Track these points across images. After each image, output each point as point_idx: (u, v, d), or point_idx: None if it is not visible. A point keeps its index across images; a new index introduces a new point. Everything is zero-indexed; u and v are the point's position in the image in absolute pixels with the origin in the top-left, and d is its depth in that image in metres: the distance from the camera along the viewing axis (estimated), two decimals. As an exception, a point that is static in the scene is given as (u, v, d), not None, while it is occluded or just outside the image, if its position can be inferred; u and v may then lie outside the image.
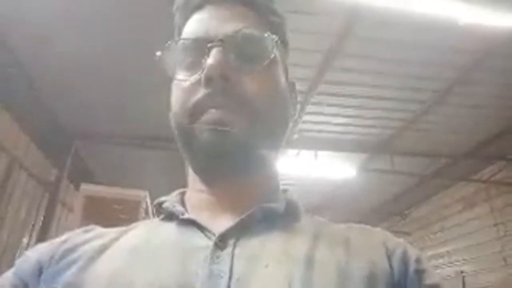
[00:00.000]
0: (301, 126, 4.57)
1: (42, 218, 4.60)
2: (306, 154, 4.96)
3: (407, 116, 4.51)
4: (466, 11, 2.82)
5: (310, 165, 4.94)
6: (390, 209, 7.24)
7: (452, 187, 6.11)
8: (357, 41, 3.40)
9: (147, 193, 3.87)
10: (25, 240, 4.48)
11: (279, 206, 0.47)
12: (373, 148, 5.10)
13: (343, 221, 0.52)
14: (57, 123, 4.51)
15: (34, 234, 4.59)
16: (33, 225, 4.63)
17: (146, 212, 3.79)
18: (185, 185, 0.53)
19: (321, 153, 5.04)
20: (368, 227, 0.50)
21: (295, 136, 4.59)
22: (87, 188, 3.83)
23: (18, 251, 4.26)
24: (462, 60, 3.62)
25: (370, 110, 4.39)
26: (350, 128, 4.78)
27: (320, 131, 4.79)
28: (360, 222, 0.53)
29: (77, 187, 4.29)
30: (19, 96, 3.77)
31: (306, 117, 4.42)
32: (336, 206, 6.63)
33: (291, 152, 4.96)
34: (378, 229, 0.49)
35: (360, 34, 3.30)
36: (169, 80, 0.50)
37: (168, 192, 0.54)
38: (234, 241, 0.42)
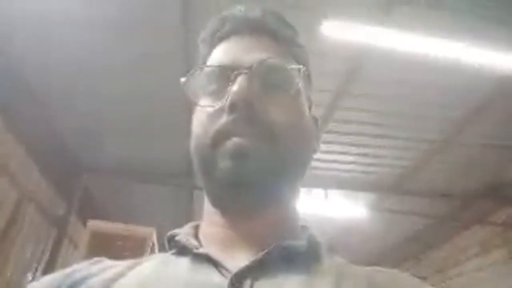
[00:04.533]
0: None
1: (48, 253, 4.55)
2: (316, 192, 4.89)
3: (419, 156, 4.46)
4: (475, 51, 2.85)
5: (320, 204, 4.85)
6: (403, 252, 6.98)
7: (469, 230, 5.89)
8: (366, 81, 3.44)
9: (153, 230, 3.81)
10: (29, 276, 4.40)
11: (300, 244, 0.45)
12: (384, 187, 5.01)
13: (354, 264, 0.49)
14: (68, 157, 4.58)
15: (40, 270, 4.51)
16: (39, 260, 4.57)
17: (152, 250, 3.72)
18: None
19: (331, 192, 4.97)
20: (395, 271, 0.47)
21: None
22: (93, 224, 3.79)
23: (23, 286, 4.18)
24: (473, 100, 3.62)
25: (381, 149, 4.36)
26: (360, 167, 4.73)
27: (329, 169, 4.74)
28: (372, 264, 0.50)
29: (84, 223, 4.26)
30: (31, 128, 3.84)
31: (315, 155, 4.40)
32: (346, 247, 6.42)
33: (301, 190, 4.89)
34: (405, 274, 0.46)
35: (369, 74, 3.36)
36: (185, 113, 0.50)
37: (174, 228, 0.52)
38: (251, 281, 0.39)
